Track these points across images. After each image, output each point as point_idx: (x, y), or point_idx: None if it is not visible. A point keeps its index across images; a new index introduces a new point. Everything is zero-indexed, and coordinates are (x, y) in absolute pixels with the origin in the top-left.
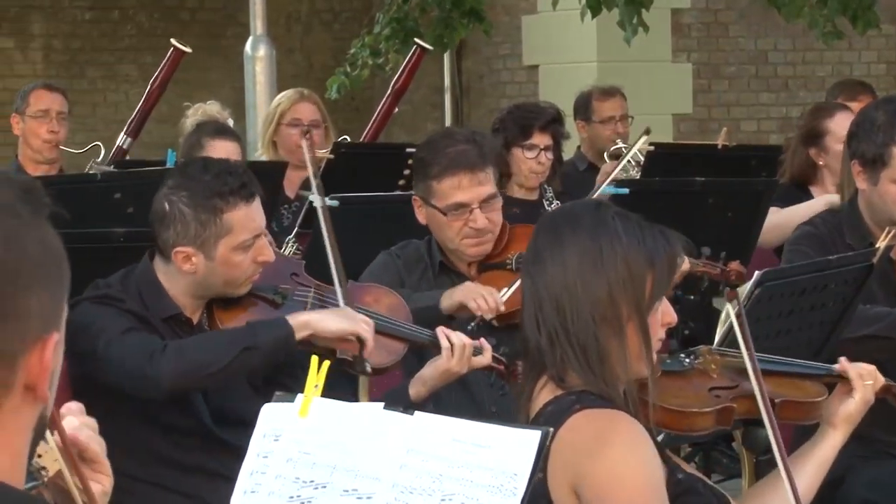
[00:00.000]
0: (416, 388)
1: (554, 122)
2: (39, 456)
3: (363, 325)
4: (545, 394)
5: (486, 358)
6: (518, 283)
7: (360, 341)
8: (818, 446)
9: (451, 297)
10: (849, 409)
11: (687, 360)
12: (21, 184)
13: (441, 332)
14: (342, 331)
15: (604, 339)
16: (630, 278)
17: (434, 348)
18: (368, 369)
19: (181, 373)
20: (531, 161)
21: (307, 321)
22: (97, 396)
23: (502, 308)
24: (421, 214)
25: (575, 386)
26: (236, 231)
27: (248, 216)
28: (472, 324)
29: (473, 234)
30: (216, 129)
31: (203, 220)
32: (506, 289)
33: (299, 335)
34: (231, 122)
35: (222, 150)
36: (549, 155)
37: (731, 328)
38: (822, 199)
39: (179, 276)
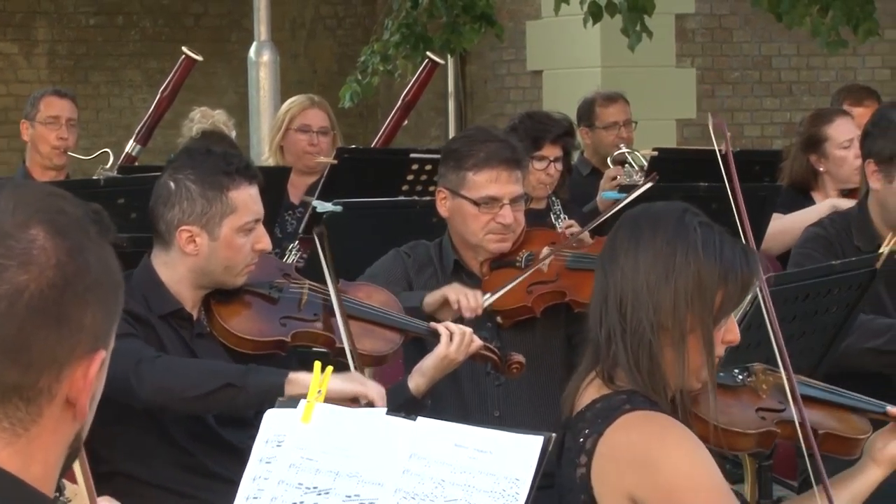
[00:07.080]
0: (415, 380)
1: (566, 134)
2: (69, 500)
3: (373, 388)
4: (592, 390)
5: (478, 342)
6: (511, 284)
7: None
8: (857, 479)
9: (433, 294)
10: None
11: (740, 377)
12: (90, 206)
13: (437, 324)
14: (349, 391)
15: (659, 347)
16: (698, 291)
17: (431, 338)
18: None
19: (160, 388)
20: (540, 172)
21: (307, 380)
22: (102, 400)
23: (479, 312)
24: (443, 207)
25: (623, 386)
26: (240, 211)
27: (252, 197)
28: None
29: (499, 230)
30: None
31: (209, 197)
32: (489, 294)
33: (292, 390)
34: (234, 134)
35: None
36: (559, 166)
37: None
38: (826, 202)
39: (180, 261)
